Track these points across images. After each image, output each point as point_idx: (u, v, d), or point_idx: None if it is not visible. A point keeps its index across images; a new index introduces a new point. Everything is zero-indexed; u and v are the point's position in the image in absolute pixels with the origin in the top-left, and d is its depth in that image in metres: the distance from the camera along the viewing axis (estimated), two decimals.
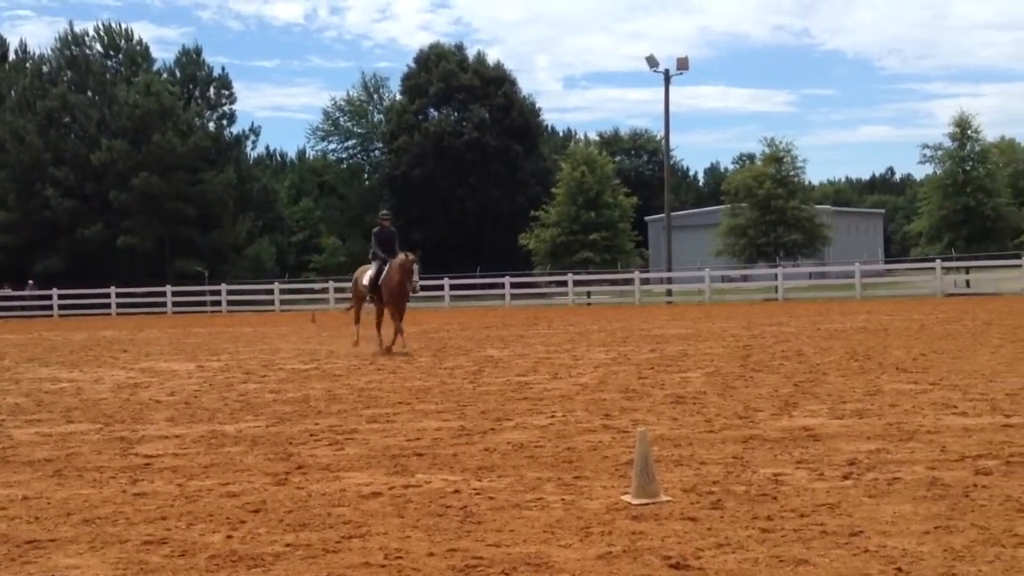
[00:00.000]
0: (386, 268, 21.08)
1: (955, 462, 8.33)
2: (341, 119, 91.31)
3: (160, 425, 11.92)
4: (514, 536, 6.50)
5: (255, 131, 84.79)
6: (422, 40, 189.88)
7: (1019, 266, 45.47)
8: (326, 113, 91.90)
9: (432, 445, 9.90)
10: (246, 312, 54.16)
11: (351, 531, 6.72)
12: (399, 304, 21.28)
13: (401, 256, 20.89)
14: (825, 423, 10.52)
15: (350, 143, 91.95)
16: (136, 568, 6.05)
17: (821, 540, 6.20)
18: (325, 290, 56.79)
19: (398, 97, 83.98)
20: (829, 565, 5.69)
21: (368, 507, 7.39)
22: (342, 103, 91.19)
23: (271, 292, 56.94)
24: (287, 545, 6.43)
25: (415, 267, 20.57)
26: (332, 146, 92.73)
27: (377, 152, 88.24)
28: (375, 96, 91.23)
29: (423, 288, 53.46)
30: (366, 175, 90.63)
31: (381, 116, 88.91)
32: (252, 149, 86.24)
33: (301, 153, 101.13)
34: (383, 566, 5.92)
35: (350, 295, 24.35)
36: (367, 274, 21.83)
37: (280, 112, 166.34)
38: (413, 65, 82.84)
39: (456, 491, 7.83)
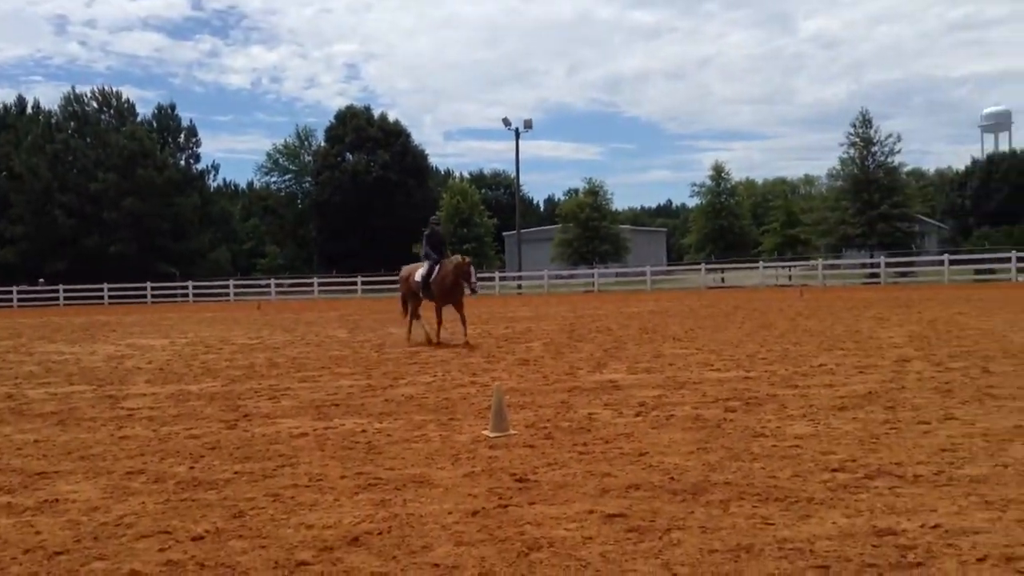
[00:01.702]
0: (438, 268, 16.63)
1: (712, 403, 8.59)
2: (280, 159, 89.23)
3: (140, 386, 11.46)
4: (404, 462, 6.47)
5: (215, 167, 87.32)
6: (340, 102, 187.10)
7: (756, 267, 47.11)
8: (269, 155, 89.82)
9: (346, 398, 9.77)
10: (208, 302, 52.40)
11: (284, 461, 6.60)
12: (455, 300, 16.62)
13: (457, 258, 16.68)
14: (624, 377, 10.72)
15: (287, 177, 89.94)
16: (121, 492, 5.84)
17: (620, 459, 6.34)
18: (268, 285, 55.48)
19: (322, 143, 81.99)
20: (625, 476, 5.82)
21: (297, 444, 7.26)
22: (281, 147, 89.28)
23: (227, 287, 55.55)
24: (235, 472, 6.29)
25: (472, 269, 16.33)
26: (273, 179, 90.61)
27: (307, 184, 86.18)
28: (305, 142, 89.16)
29: (345, 284, 53.44)
30: (299, 201, 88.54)
31: (310, 157, 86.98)
32: (213, 180, 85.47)
33: (250, 184, 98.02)
34: (307, 486, 5.84)
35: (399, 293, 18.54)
36: (418, 272, 17.04)
37: (233, 153, 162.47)
38: (334, 120, 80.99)
39: (363, 431, 7.75)
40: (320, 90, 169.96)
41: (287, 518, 5.11)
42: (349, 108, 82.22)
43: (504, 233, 73.96)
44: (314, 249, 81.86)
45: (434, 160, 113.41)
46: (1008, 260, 39.00)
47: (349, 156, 78.66)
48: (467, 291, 16.35)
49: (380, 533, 4.76)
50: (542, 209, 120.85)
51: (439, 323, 16.63)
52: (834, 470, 5.77)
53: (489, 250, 61.12)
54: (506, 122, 55.39)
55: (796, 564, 4.07)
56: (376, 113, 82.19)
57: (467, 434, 7.46)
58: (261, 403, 9.58)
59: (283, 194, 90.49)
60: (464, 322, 16.67)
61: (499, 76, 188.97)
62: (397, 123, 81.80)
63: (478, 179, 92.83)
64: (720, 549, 4.31)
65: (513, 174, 64.57)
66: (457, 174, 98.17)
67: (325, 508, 5.30)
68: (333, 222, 76.54)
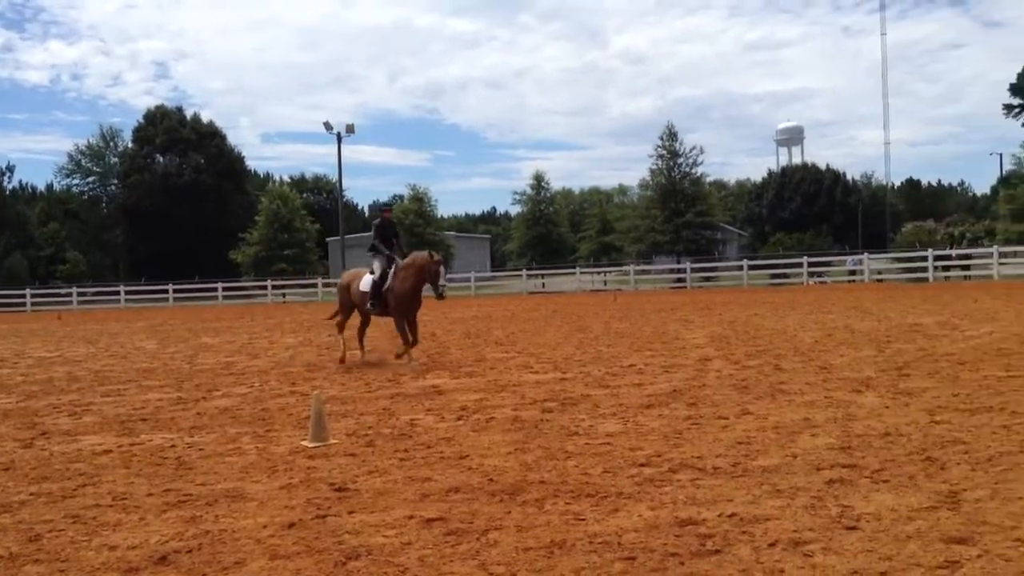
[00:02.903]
0: (392, 271, 12.77)
1: (530, 404, 8.79)
2: (83, 160, 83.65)
3: None
4: (217, 476, 6.23)
5: (10, 168, 79.98)
6: (148, 102, 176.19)
7: (574, 273, 48.67)
8: (70, 156, 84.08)
9: (154, 412, 9.27)
10: (2, 313, 48.32)
11: (85, 480, 6.19)
12: (411, 313, 12.80)
13: (418, 255, 12.80)
14: (447, 382, 10.78)
15: (90, 179, 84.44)
16: None
17: (441, 463, 6.37)
18: (69, 294, 51.76)
19: (130, 145, 77.53)
20: (445, 479, 5.86)
21: (100, 462, 6.82)
22: (83, 148, 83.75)
23: (24, 297, 51.37)
24: (32, 494, 5.84)
25: (442, 268, 12.63)
26: (75, 181, 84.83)
27: (113, 187, 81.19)
28: (111, 143, 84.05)
29: (154, 293, 50.42)
30: (104, 204, 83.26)
31: (116, 159, 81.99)
32: (8, 182, 79.66)
33: (49, 186, 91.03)
34: (110, 505, 5.50)
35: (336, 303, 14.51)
36: (365, 278, 13.09)
37: (30, 154, 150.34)
38: (143, 120, 76.77)
39: (173, 446, 7.39)
40: (125, 88, 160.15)
41: (88, 540, 4.79)
42: (159, 108, 78.23)
43: (327, 239, 72.55)
44: (120, 255, 77.28)
45: (252, 163, 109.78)
46: (800, 265, 42.22)
47: (160, 158, 74.79)
48: (435, 295, 12.76)
49: (190, 551, 4.55)
50: (366, 215, 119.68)
51: (409, 340, 12.71)
52: (641, 465, 6.04)
53: (312, 256, 59.85)
54: (327, 126, 54.42)
55: (605, 557, 4.24)
56: (189, 114, 78.66)
57: (285, 445, 7.27)
58: (60, 419, 8.93)
59: (86, 197, 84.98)
60: (415, 342, 12.91)
61: (319, 80, 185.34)
62: (212, 124, 78.60)
63: (299, 183, 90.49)
64: (535, 547, 4.42)
65: (336, 179, 63.41)
66: (277, 178, 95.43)
67: (130, 528, 5.01)
68: (142, 227, 72.55)
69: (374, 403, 9.32)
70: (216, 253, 65.92)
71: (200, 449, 7.21)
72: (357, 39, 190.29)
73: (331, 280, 55.33)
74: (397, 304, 12.68)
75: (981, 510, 4.67)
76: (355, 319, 13.93)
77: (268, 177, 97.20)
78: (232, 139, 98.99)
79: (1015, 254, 40.10)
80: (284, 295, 51.60)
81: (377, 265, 13.02)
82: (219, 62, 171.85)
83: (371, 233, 13.50)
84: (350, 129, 55.01)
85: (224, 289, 50.78)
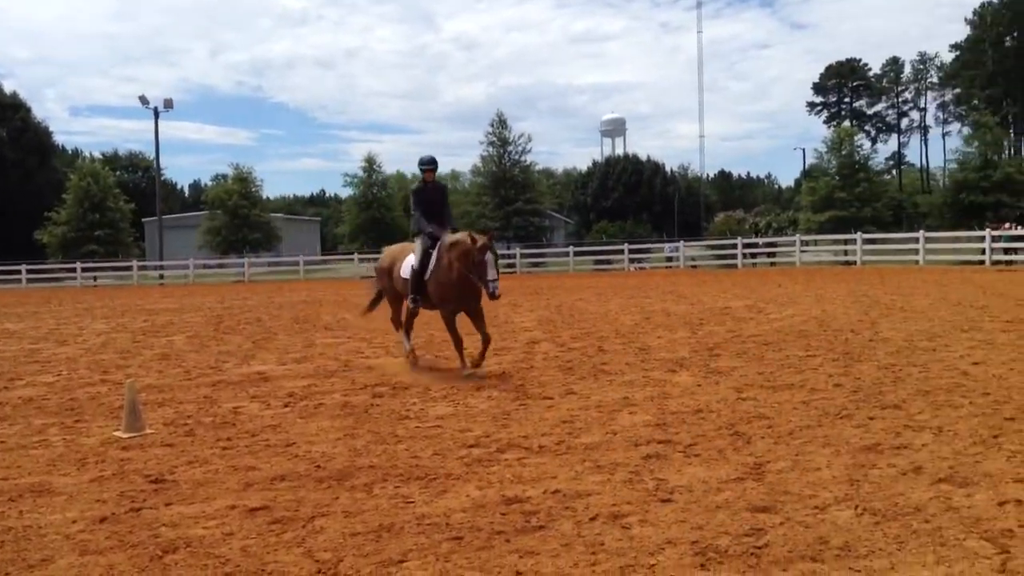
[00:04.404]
0: (434, 253, 9.54)
1: (360, 390, 8.69)
2: None
3: None
4: (21, 471, 5.78)
5: None
6: None
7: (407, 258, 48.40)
8: None
9: None
10: None
11: None
12: (463, 306, 9.52)
13: (463, 235, 9.27)
14: (274, 368, 10.47)
15: None
16: None
17: (266, 451, 6.19)
18: None
19: None
20: (270, 468, 5.70)
21: None
22: None
23: None
24: None
25: (489, 257, 8.98)
26: None
27: None
28: None
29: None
30: None
31: None
32: None
33: None
34: None
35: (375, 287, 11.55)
36: (406, 261, 10.02)
37: None
38: None
39: None
40: None
41: None
42: None
43: (144, 219, 68.62)
44: None
45: (60, 138, 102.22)
46: (622, 252, 43.86)
47: None
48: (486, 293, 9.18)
49: None
50: (187, 194, 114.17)
51: (458, 342, 9.62)
52: (471, 446, 6.10)
53: (127, 237, 56.22)
54: (143, 100, 51.42)
55: (433, 538, 4.25)
56: None
57: (96, 436, 6.83)
58: None
59: None
60: (480, 331, 9.50)
61: (135, 52, 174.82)
62: (15, 96, 72.50)
63: (112, 160, 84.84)
64: (362, 531, 4.37)
65: (152, 156, 60.00)
66: (88, 154, 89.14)
67: None
68: None
69: (194, 391, 8.92)
70: (20, 233, 60.93)
71: (2, 442, 6.67)
72: (176, 10, 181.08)
73: (147, 263, 52.49)
74: (439, 294, 9.39)
75: (783, 480, 5.02)
76: (393, 303, 10.85)
77: (78, 153, 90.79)
78: (38, 112, 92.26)
79: (815, 242, 43.33)
80: (95, 278, 48.37)
81: (418, 246, 9.78)
82: (21, 29, 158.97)
83: (411, 204, 10.13)
84: (168, 104, 52.21)
85: (29, 272, 47.05)
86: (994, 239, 32.13)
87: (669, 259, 45.13)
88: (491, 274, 8.86)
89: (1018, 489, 4.64)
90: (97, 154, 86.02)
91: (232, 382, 9.45)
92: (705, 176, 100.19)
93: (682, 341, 11.71)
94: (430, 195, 9.89)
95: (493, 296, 8.94)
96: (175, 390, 9.00)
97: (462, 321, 9.72)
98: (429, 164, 9.84)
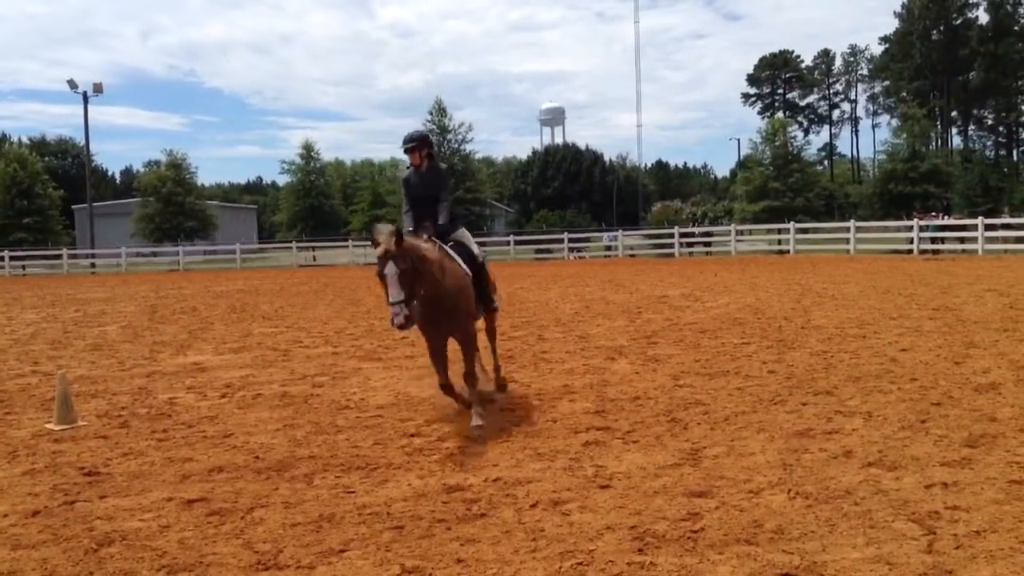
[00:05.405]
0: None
1: (300, 380, 8.61)
2: None
3: None
4: None
5: None
6: None
7: (346, 246, 47.93)
8: None
9: None
10: None
11: None
12: (448, 332, 6.83)
13: (415, 239, 6.39)
14: (210, 359, 10.31)
15: None
16: None
17: (203, 442, 6.10)
18: None
19: None
20: (207, 459, 5.62)
21: None
22: None
23: None
24: None
25: (387, 272, 5.85)
26: None
27: None
28: None
29: None
30: None
31: None
32: None
33: None
34: None
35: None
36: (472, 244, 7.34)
37: None
38: None
39: None
40: None
41: None
42: None
43: (73, 207, 66.62)
44: None
45: None
46: (562, 241, 44.09)
47: None
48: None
49: None
50: (118, 181, 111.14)
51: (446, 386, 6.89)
52: (412, 435, 6.10)
53: (56, 225, 54.53)
54: (72, 84, 49.86)
55: (374, 527, 4.25)
56: None
57: (27, 429, 6.66)
58: None
59: None
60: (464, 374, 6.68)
61: (61, 34, 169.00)
62: None
63: (40, 146, 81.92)
64: (303, 522, 4.35)
65: (82, 142, 58.28)
66: (16, 139, 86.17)
67: None
68: None
69: (128, 382, 8.74)
70: None
71: None
72: None
73: (77, 251, 51.00)
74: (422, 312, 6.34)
75: (719, 466, 5.13)
76: None
77: (5, 139, 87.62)
78: None
79: (750, 232, 44.12)
80: (24, 267, 46.86)
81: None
82: None
83: (400, 190, 8.02)
84: (97, 88, 50.77)
85: None
86: (921, 228, 33.14)
87: (608, 248, 45.52)
88: (391, 293, 5.80)
89: (944, 472, 4.81)
90: (24, 139, 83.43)
91: (167, 373, 9.28)
92: (643, 166, 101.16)
93: (621, 329, 11.85)
94: (418, 183, 7.19)
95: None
96: (108, 381, 8.80)
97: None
98: (410, 142, 7.13)
